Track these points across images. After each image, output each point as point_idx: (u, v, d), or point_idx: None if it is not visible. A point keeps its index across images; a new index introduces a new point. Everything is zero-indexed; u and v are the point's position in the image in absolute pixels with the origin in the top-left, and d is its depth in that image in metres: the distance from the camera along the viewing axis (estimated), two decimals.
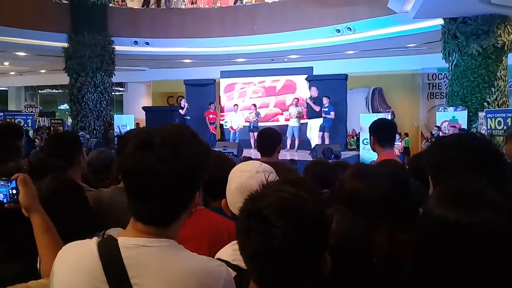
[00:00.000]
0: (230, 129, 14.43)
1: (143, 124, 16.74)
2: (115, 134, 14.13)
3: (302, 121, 12.99)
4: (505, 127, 8.85)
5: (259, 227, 0.96)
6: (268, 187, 1.06)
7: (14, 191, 1.41)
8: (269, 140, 3.26)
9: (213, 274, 1.14)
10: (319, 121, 12.49)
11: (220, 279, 1.14)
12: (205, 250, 1.57)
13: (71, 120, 16.90)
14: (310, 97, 12.77)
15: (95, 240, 1.17)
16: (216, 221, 1.75)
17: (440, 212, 0.97)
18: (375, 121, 3.12)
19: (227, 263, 1.32)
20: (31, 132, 12.17)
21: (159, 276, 1.11)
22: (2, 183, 1.44)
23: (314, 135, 12.59)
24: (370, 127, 3.04)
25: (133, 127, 14.78)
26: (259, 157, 7.86)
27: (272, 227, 0.95)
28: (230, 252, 1.44)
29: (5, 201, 1.45)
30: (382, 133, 2.99)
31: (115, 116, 16.42)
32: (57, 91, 24.32)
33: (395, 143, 3.63)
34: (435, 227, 0.97)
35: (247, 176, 1.51)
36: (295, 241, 0.95)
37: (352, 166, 2.02)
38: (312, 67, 15.17)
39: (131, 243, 1.14)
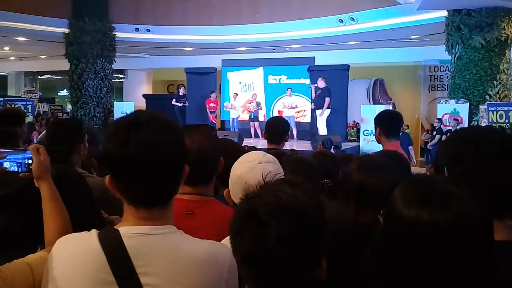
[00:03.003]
0: (225, 109, 14.56)
1: None
2: None
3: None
4: (506, 120, 8.83)
5: (253, 226, 0.94)
6: (266, 187, 1.03)
7: (30, 161, 1.45)
8: (278, 128, 3.25)
9: (218, 258, 1.16)
10: (327, 111, 12.49)
11: (225, 261, 1.15)
12: (215, 239, 1.57)
13: (70, 107, 16.86)
14: (316, 87, 12.71)
15: (94, 232, 1.15)
16: (226, 211, 1.74)
17: (412, 213, 0.93)
18: (381, 112, 3.09)
19: None
20: (31, 117, 12.13)
21: (165, 263, 1.10)
22: (18, 156, 1.49)
23: (321, 125, 12.58)
24: (375, 119, 3.01)
25: None
26: (259, 146, 7.81)
27: (266, 227, 0.92)
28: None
29: (20, 170, 1.49)
30: (388, 124, 2.96)
31: (115, 103, 16.37)
32: (57, 77, 24.21)
33: None
34: (409, 229, 0.93)
35: (248, 166, 1.49)
36: (289, 243, 0.92)
37: (358, 158, 2.01)
38: (314, 57, 15.09)
39: (134, 232, 1.12)
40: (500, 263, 0.97)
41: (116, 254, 1.09)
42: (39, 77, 24.81)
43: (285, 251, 0.92)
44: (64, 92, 23.37)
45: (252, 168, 1.46)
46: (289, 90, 13.58)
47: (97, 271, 1.09)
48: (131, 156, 1.10)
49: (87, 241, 1.13)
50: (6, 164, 1.49)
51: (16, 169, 1.48)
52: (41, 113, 16.13)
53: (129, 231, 1.12)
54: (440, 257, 0.91)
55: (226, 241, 1.42)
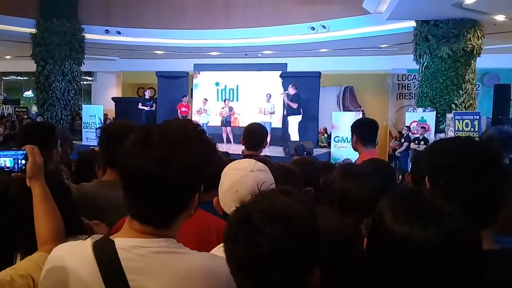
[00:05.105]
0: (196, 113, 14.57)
1: (112, 115, 16.42)
2: (97, 126, 13.78)
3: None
4: (472, 129, 9.10)
5: (247, 232, 0.93)
6: (261, 195, 1.03)
7: (23, 161, 1.44)
8: (257, 134, 3.26)
9: (215, 273, 1.11)
10: (298, 118, 12.61)
11: (222, 277, 1.10)
12: (193, 248, 1.54)
13: (36, 109, 16.38)
14: (287, 94, 12.83)
15: (89, 241, 1.12)
16: (206, 220, 1.71)
17: (404, 230, 0.90)
18: (358, 120, 3.13)
19: None
20: None
21: (159, 278, 1.07)
22: (12, 153, 1.47)
23: (292, 131, 12.70)
24: (353, 126, 3.04)
25: (102, 118, 14.48)
26: (231, 151, 7.81)
27: (259, 233, 0.92)
28: (222, 254, 1.40)
29: (14, 170, 1.48)
30: (366, 132, 3.00)
31: (84, 106, 16.01)
32: (22, 78, 23.51)
33: None
34: (401, 246, 0.90)
35: (240, 174, 1.46)
36: (283, 250, 0.91)
37: (341, 166, 2.03)
38: (286, 63, 15.20)
39: (129, 244, 1.09)
40: (484, 272, 0.99)
41: (110, 268, 1.07)
42: (4, 78, 24.03)
43: (278, 258, 0.91)
44: (30, 93, 22.70)
45: (244, 176, 1.43)
46: (268, 95, 13.61)
47: (91, 282, 1.07)
48: (124, 170, 1.09)
49: (82, 252, 1.10)
50: (4, 160, 1.48)
51: (12, 165, 1.47)
52: (6, 115, 15.64)
53: (125, 243, 1.09)
54: (432, 273, 0.89)
55: (216, 251, 1.40)
